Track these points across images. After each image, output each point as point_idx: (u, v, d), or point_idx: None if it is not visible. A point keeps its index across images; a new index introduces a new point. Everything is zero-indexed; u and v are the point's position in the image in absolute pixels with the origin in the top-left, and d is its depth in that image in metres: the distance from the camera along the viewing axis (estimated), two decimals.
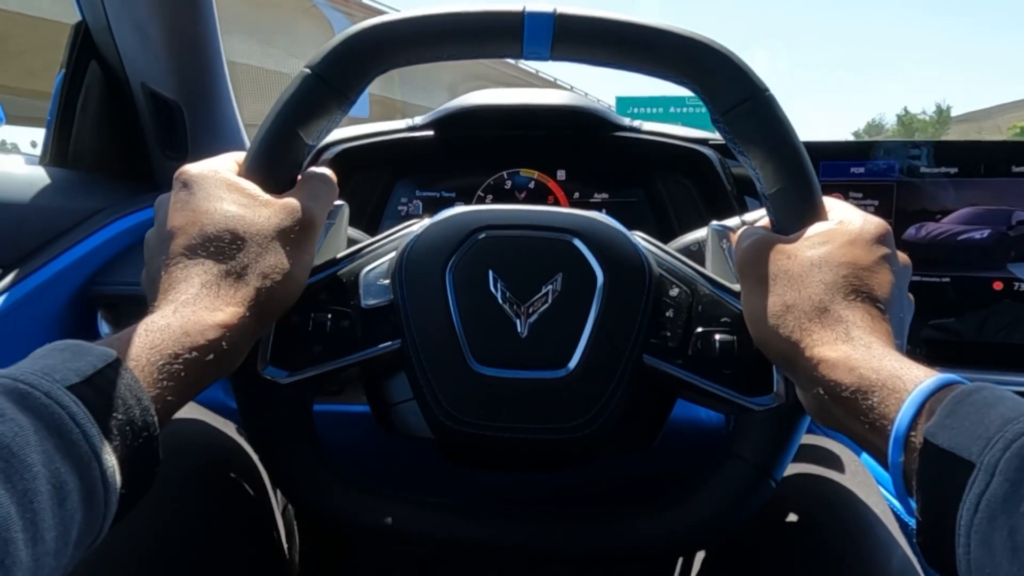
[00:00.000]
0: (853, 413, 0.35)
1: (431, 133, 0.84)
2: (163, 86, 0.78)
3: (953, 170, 0.74)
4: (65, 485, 0.28)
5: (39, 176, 0.75)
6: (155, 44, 0.75)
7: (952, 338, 0.76)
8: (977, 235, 0.74)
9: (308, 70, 0.43)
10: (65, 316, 0.69)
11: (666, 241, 0.56)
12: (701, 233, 0.56)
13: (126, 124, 0.83)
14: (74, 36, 0.79)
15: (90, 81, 0.80)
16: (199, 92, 0.80)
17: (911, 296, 0.43)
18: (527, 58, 0.44)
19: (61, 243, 0.70)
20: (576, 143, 0.87)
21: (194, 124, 0.81)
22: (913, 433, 0.32)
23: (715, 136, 0.81)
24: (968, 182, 0.74)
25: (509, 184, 0.88)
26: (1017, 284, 0.74)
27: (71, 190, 0.76)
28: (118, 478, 0.31)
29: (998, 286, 0.74)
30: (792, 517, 0.52)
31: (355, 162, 0.83)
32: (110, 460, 0.30)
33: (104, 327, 0.71)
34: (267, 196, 0.43)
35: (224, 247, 0.40)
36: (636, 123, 0.85)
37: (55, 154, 0.81)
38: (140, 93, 0.79)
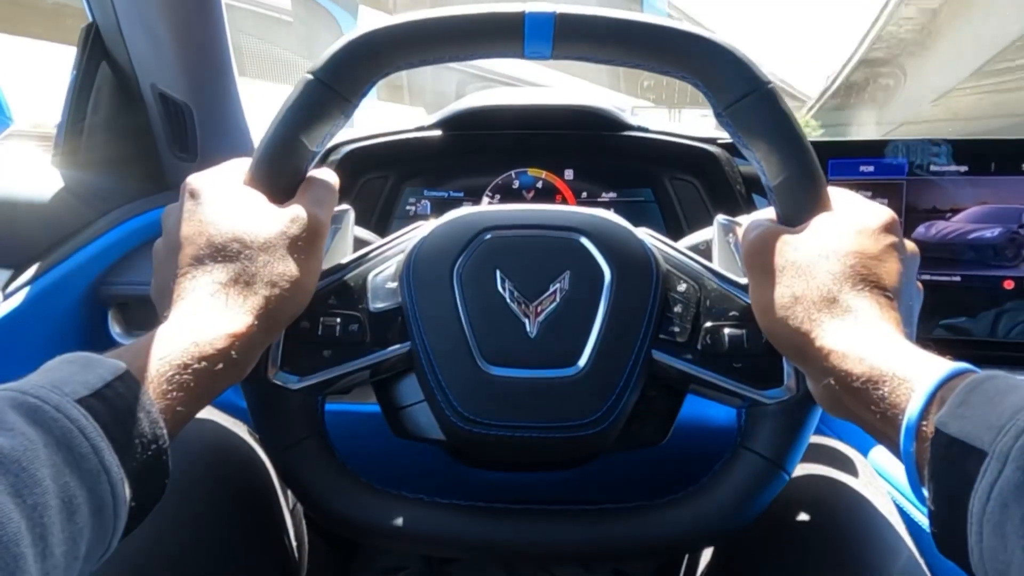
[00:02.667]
0: (864, 403, 0.35)
1: (439, 133, 0.85)
2: (173, 87, 0.78)
3: (963, 168, 0.74)
4: (74, 499, 0.28)
5: (50, 177, 0.75)
6: (165, 46, 0.76)
7: (963, 337, 0.75)
8: (987, 233, 0.73)
9: (311, 75, 0.43)
10: (75, 316, 0.70)
11: (674, 240, 0.56)
12: (709, 232, 0.56)
13: (136, 125, 0.83)
14: (84, 37, 0.80)
15: (100, 82, 0.81)
16: (208, 93, 0.81)
17: (919, 285, 0.43)
18: (529, 58, 0.44)
19: (71, 243, 0.70)
20: (584, 142, 0.87)
21: (203, 125, 0.81)
22: (925, 422, 0.31)
23: (723, 135, 0.81)
24: (978, 180, 0.73)
25: (517, 184, 0.88)
26: None
27: (81, 191, 0.77)
28: (128, 491, 0.31)
29: (1009, 285, 0.74)
30: (797, 518, 0.51)
31: (363, 163, 0.83)
32: (119, 473, 0.30)
33: (114, 325, 0.71)
34: (272, 204, 0.43)
35: (231, 256, 0.40)
36: (644, 122, 0.85)
37: (66, 155, 0.81)
38: (150, 94, 0.80)
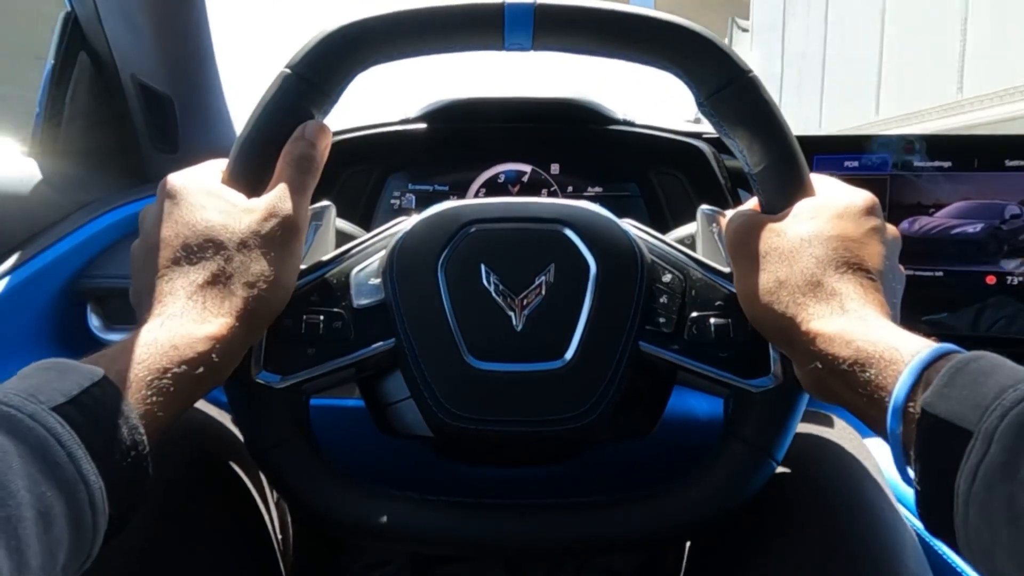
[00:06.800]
0: (851, 386, 0.35)
1: (424, 126, 0.84)
2: (153, 78, 0.77)
3: (946, 164, 0.74)
4: (51, 510, 0.27)
5: (28, 168, 0.74)
6: (145, 35, 0.75)
7: (945, 333, 0.76)
8: (970, 229, 0.74)
9: (288, 70, 0.42)
10: (54, 309, 0.68)
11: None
12: (693, 227, 0.56)
13: (116, 116, 0.82)
14: (63, 26, 0.78)
15: (79, 73, 0.79)
16: (190, 84, 0.80)
17: (901, 267, 0.43)
18: (509, 50, 0.44)
19: (50, 236, 0.69)
20: (570, 137, 0.87)
21: (184, 117, 0.80)
22: (911, 403, 0.32)
23: (709, 130, 0.81)
24: (961, 176, 0.74)
25: (503, 178, 0.88)
26: (1010, 278, 0.74)
27: (60, 182, 0.75)
28: (106, 500, 0.30)
29: (991, 280, 0.74)
30: (786, 507, 0.51)
31: (347, 155, 0.82)
32: (97, 482, 0.30)
33: (93, 319, 0.70)
34: (249, 202, 0.42)
35: (208, 257, 0.39)
36: (630, 117, 0.85)
37: (44, 146, 0.80)
38: (130, 85, 0.79)
